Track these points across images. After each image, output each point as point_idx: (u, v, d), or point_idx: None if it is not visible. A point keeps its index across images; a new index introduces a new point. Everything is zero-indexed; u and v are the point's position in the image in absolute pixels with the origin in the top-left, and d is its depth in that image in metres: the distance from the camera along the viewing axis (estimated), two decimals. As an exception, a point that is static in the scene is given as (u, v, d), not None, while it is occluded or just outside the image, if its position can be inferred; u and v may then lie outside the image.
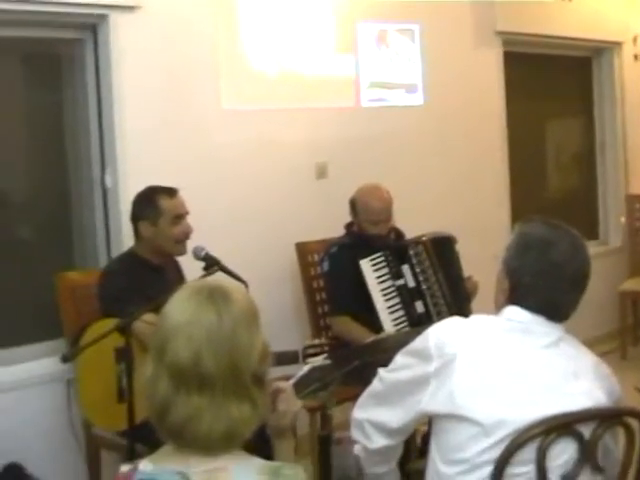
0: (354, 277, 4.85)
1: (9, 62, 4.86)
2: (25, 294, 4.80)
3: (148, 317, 3.65)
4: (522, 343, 2.50)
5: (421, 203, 6.20)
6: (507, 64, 7.12)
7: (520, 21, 7.06)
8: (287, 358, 3.94)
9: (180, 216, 4.28)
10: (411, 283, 4.90)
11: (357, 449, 2.79)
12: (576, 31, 7.55)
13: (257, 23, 5.44)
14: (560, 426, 2.41)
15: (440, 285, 4.93)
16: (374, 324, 4.80)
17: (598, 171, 8.34)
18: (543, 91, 7.79)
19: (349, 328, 4.89)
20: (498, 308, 2.61)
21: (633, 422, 2.60)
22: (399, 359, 2.65)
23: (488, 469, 2.40)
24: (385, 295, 4.87)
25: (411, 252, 4.92)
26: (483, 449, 2.40)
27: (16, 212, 4.97)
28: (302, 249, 5.49)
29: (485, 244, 6.39)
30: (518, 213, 6.98)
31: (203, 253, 3.98)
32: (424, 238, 4.99)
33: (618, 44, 8.13)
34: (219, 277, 3.78)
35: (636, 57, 8.24)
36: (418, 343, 2.58)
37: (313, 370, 3.59)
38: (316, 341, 4.12)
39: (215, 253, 4.00)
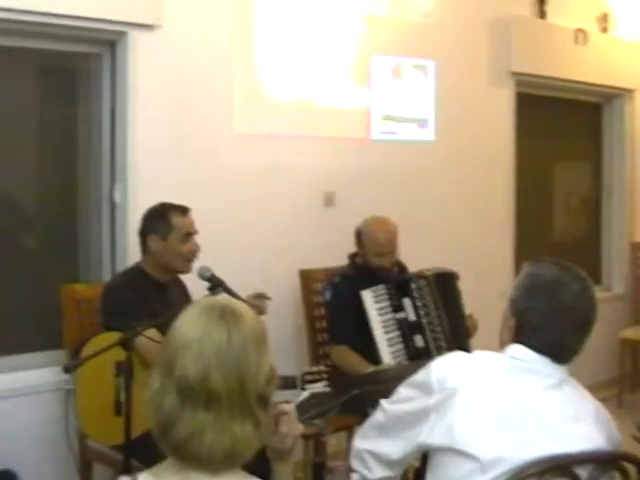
0: (355, 308, 4.86)
1: (25, 73, 4.89)
2: (28, 303, 4.81)
3: (151, 333, 3.68)
4: (524, 382, 2.50)
5: (426, 238, 6.21)
6: (519, 105, 7.15)
7: (535, 63, 7.09)
8: (285, 383, 3.96)
9: (190, 234, 4.31)
10: (412, 317, 4.90)
11: (355, 479, 2.78)
12: (589, 76, 7.58)
13: (273, 50, 5.48)
14: (556, 467, 2.41)
15: (441, 320, 4.93)
16: (373, 355, 4.79)
17: (603, 216, 8.36)
18: (553, 134, 7.83)
19: (347, 358, 4.88)
20: (502, 345, 2.61)
21: (629, 467, 2.60)
22: (402, 391, 2.66)
23: (483, 505, 2.40)
24: (385, 327, 4.87)
25: (413, 286, 4.93)
26: (479, 485, 2.41)
27: (24, 222, 4.99)
28: (306, 276, 5.50)
29: (487, 282, 6.41)
30: (522, 254, 6.98)
31: (209, 274, 4.00)
32: (427, 273, 4.98)
33: (630, 91, 8.16)
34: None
35: (647, 104, 8.28)
36: (421, 376, 2.58)
37: (312, 397, 3.61)
38: (314, 368, 4.15)
39: (219, 274, 4.02)
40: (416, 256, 5.31)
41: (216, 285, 3.95)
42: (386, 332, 4.86)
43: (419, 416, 2.52)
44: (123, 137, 4.89)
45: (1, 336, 4.72)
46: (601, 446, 2.50)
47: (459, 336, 4.95)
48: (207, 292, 3.90)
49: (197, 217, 4.37)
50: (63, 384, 4.27)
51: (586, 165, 8.39)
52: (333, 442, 4.99)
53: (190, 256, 4.30)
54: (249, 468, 2.07)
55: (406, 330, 4.89)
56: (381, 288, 4.89)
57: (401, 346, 4.87)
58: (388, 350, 4.83)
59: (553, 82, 7.39)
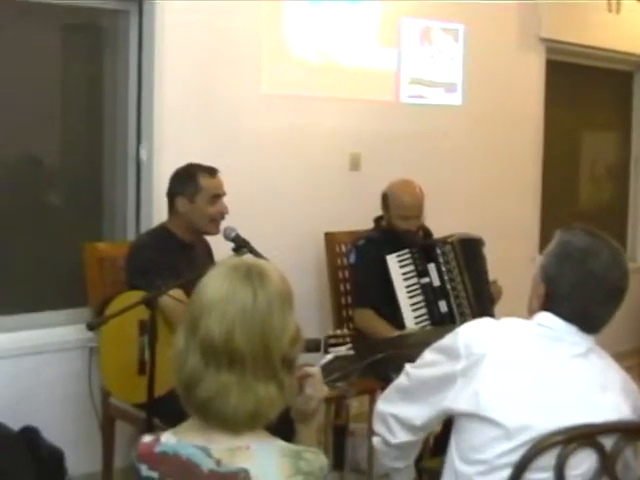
0: (380, 271, 4.84)
1: (50, 30, 4.86)
2: (52, 261, 4.83)
3: (175, 293, 3.67)
4: (551, 350, 2.48)
5: (452, 203, 6.18)
6: (548, 72, 7.09)
7: (565, 29, 7.01)
8: (309, 346, 3.94)
9: (218, 196, 4.27)
10: (436, 282, 4.89)
11: (377, 442, 2.77)
12: (620, 44, 7.50)
13: (302, 10, 5.43)
14: (582, 436, 2.40)
15: (465, 286, 4.91)
16: (396, 320, 4.79)
17: (631, 186, 8.30)
18: (582, 102, 7.77)
19: (371, 322, 4.88)
20: (531, 312, 2.59)
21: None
22: (427, 355, 2.64)
23: (506, 472, 2.39)
24: (409, 292, 4.86)
25: (438, 251, 4.91)
26: (503, 452, 2.40)
27: (49, 180, 4.98)
28: (331, 239, 5.47)
29: (513, 249, 6.39)
30: (548, 221, 6.96)
31: (233, 234, 3.98)
32: (452, 238, 4.96)
33: (661, 60, 8.08)
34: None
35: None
36: (448, 341, 2.57)
37: (336, 360, 3.60)
38: (338, 332, 4.13)
39: (244, 236, 4.00)
40: (442, 221, 5.29)
41: (241, 246, 3.93)
42: (410, 297, 4.85)
43: (445, 381, 2.50)
44: (149, 95, 4.86)
45: (25, 293, 4.74)
46: (627, 416, 2.48)
47: (483, 302, 4.94)
48: (232, 253, 3.88)
49: (222, 176, 4.34)
50: (87, 342, 4.26)
51: (614, 134, 8.32)
52: (355, 405, 4.99)
53: (218, 218, 4.25)
54: (272, 429, 2.07)
55: (430, 295, 4.87)
56: (406, 253, 4.87)
57: (425, 311, 4.86)
58: (412, 315, 4.83)
59: (583, 49, 7.30)
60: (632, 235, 8.29)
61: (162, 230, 4.32)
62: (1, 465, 3.89)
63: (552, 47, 7.06)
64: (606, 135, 8.27)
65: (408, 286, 4.86)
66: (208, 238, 4.44)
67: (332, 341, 4.00)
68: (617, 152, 8.31)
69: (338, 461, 3.88)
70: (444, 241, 4.96)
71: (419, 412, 2.61)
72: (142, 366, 3.63)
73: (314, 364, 2.98)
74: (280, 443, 2.04)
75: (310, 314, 5.34)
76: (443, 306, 4.88)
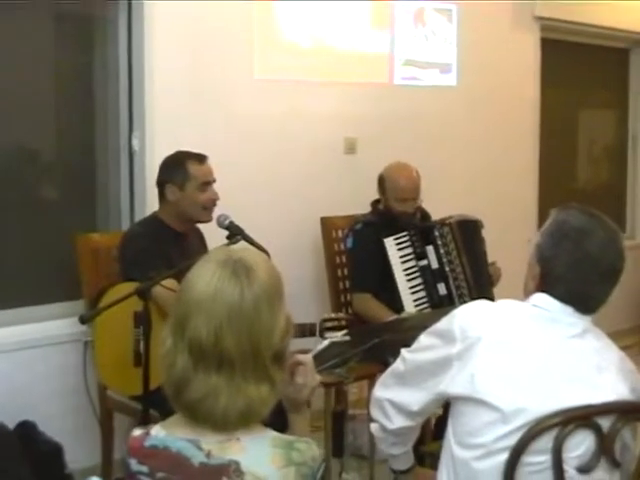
0: (377, 255, 4.82)
1: (42, 20, 4.82)
2: (45, 253, 4.79)
3: (168, 283, 3.63)
4: (547, 331, 2.45)
5: (449, 185, 6.17)
6: (544, 50, 7.05)
7: (559, 7, 6.95)
8: (304, 330, 3.92)
9: (208, 183, 4.24)
10: (434, 264, 4.86)
11: (374, 428, 2.75)
12: (616, 21, 7.46)
13: (293, -7, 5.39)
14: (579, 417, 2.37)
15: (464, 268, 4.89)
16: (395, 303, 4.77)
17: (629, 165, 8.27)
18: (578, 80, 7.73)
19: (370, 306, 4.86)
20: (527, 294, 2.56)
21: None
22: (423, 339, 2.61)
23: (504, 456, 2.36)
24: (408, 275, 4.83)
25: (436, 233, 4.88)
26: (500, 436, 2.36)
27: (42, 170, 4.96)
28: (327, 224, 5.45)
29: (511, 230, 6.37)
30: (546, 201, 6.92)
31: (227, 222, 3.93)
32: (450, 220, 4.93)
33: (658, 37, 8.02)
34: (242, 246, 3.75)
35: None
36: (443, 324, 2.54)
37: (333, 345, 3.57)
38: (333, 315, 4.11)
39: (239, 223, 3.95)
40: (439, 203, 5.26)
41: (235, 233, 3.89)
42: (409, 280, 4.83)
43: (441, 365, 2.47)
44: (140, 84, 4.84)
45: (19, 287, 4.71)
46: (625, 396, 2.45)
47: (482, 284, 4.92)
48: (225, 240, 3.84)
49: (216, 163, 4.32)
50: (82, 335, 4.25)
51: (611, 112, 8.29)
52: (354, 391, 4.98)
53: (209, 205, 4.23)
54: (265, 420, 2.04)
55: (429, 278, 4.85)
56: (404, 235, 4.84)
57: (423, 294, 4.84)
58: (410, 298, 4.81)
59: (578, 27, 7.26)
60: (631, 213, 8.28)
61: (154, 219, 4.29)
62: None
63: (547, 25, 7.02)
64: (603, 113, 8.24)
65: (406, 269, 4.83)
66: (201, 226, 4.41)
67: (328, 324, 3.98)
68: (614, 131, 8.28)
69: (338, 447, 3.87)
70: (442, 223, 4.93)
71: (415, 397, 2.58)
72: (138, 358, 3.59)
73: (309, 350, 2.97)
74: (272, 434, 2.02)
75: (308, 300, 5.32)
76: (442, 289, 4.86)
